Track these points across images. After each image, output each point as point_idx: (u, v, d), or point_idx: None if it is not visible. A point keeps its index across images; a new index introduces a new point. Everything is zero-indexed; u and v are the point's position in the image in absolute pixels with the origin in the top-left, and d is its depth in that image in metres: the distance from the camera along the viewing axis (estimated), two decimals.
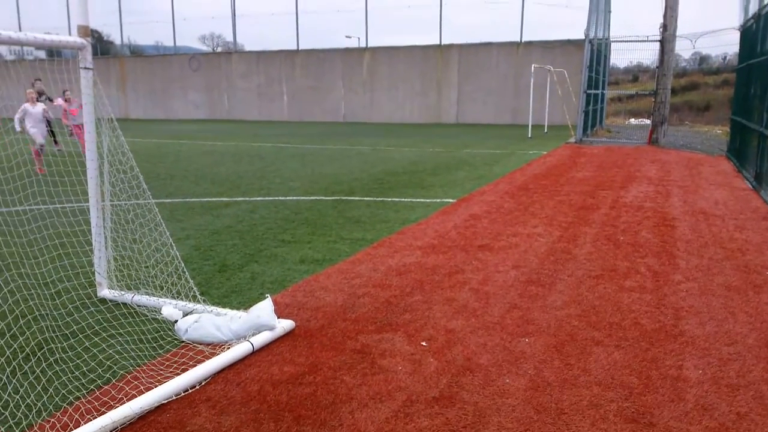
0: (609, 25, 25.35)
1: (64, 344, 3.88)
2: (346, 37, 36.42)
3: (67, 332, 4.09)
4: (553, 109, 26.10)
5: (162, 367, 3.58)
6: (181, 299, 4.54)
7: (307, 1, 44.54)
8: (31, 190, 5.84)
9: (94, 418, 2.96)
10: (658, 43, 19.16)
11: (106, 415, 2.96)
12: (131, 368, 3.59)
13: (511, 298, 4.81)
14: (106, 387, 3.36)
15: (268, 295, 4.26)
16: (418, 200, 9.10)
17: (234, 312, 4.29)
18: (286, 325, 4.12)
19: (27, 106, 12.47)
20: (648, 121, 24.78)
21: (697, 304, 4.67)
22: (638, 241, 6.61)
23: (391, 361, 3.69)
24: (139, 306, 4.57)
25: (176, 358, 3.70)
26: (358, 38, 34.15)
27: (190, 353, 3.77)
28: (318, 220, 7.69)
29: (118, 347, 3.86)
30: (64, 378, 3.43)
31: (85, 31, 4.31)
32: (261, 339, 3.88)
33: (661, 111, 19.21)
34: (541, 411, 3.13)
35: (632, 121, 31.72)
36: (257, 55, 35.92)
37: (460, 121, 31.51)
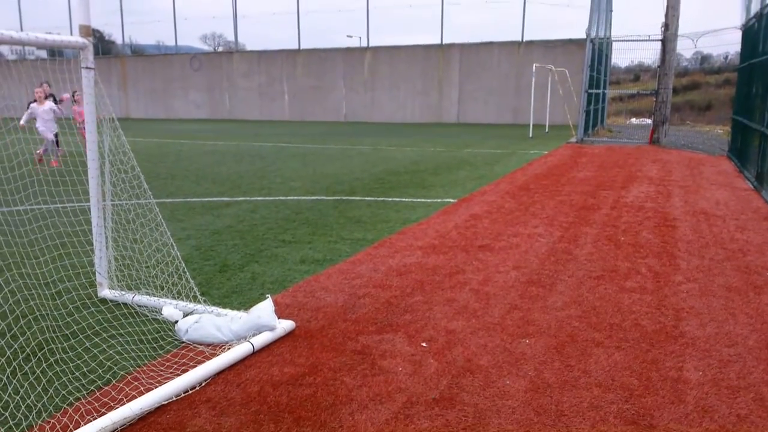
0: (610, 24, 25.35)
1: (65, 344, 3.89)
2: (348, 36, 36.52)
3: (67, 332, 4.09)
4: (554, 109, 26.08)
5: (162, 368, 3.58)
6: (182, 299, 4.54)
7: (309, 1, 44.61)
8: (32, 190, 5.84)
9: (94, 419, 2.96)
10: (659, 43, 19.14)
11: (105, 416, 2.96)
12: (131, 369, 3.59)
13: (511, 298, 4.81)
14: (106, 388, 3.36)
15: (269, 296, 4.26)
16: (419, 200, 9.10)
17: (234, 312, 4.29)
18: (286, 325, 4.12)
19: (34, 106, 12.33)
20: (649, 121, 24.75)
21: (698, 305, 4.66)
22: (639, 241, 6.60)
23: (392, 362, 3.69)
24: (139, 306, 4.57)
25: (176, 359, 3.70)
26: (360, 38, 34.20)
27: (191, 354, 3.77)
28: (319, 220, 7.69)
29: (119, 348, 3.86)
30: (64, 378, 3.43)
31: (87, 31, 4.31)
32: (261, 340, 3.88)
33: (662, 110, 19.19)
34: (541, 413, 3.13)
35: (633, 120, 31.70)
36: (258, 54, 35.93)
37: (462, 121, 31.51)
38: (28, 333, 4.01)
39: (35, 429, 2.97)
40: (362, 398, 3.26)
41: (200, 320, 4.04)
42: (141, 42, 42.41)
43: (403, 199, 9.15)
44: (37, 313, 4.32)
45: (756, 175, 10.49)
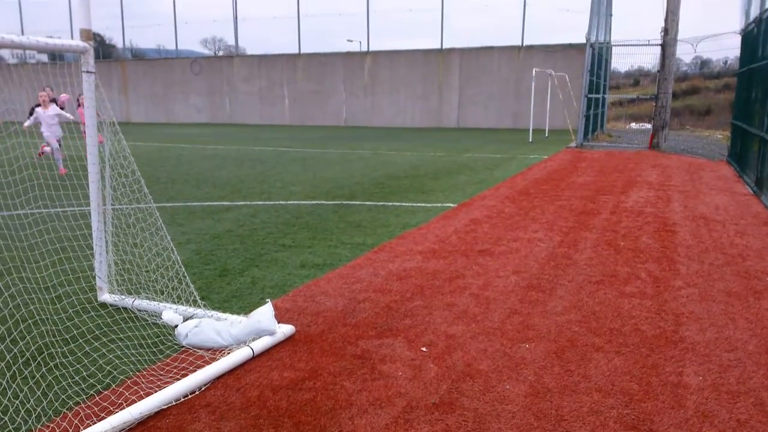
0: (610, 29, 25.40)
1: (64, 349, 3.88)
2: (348, 40, 36.49)
3: (67, 337, 4.09)
4: (554, 114, 26.13)
5: (162, 372, 3.58)
6: (182, 304, 4.54)
7: (309, 5, 44.67)
8: (32, 194, 5.85)
9: (93, 423, 2.96)
10: (659, 47, 19.18)
11: (105, 420, 2.96)
12: (131, 373, 3.59)
13: (511, 303, 4.81)
14: (105, 392, 3.36)
15: (269, 300, 4.25)
16: (419, 205, 9.10)
17: (234, 317, 4.30)
18: (286, 330, 4.12)
19: (39, 110, 12.11)
20: (649, 126, 24.79)
21: (698, 310, 4.66)
22: (639, 246, 6.61)
23: (391, 367, 3.69)
24: (139, 310, 4.57)
25: (176, 363, 3.70)
26: (360, 42, 34.26)
27: (190, 358, 3.77)
28: (319, 224, 7.69)
29: (118, 352, 3.86)
30: (63, 383, 3.43)
31: (88, 35, 4.33)
32: (261, 344, 3.88)
33: (662, 115, 19.22)
34: (541, 417, 3.12)
35: (633, 125, 31.74)
36: (259, 58, 36.00)
37: (461, 125, 31.55)
38: (27, 337, 4.01)
39: None
40: (362, 403, 3.26)
41: (200, 324, 4.04)
42: (142, 46, 42.52)
43: (403, 204, 9.16)
44: (37, 318, 4.32)
45: (755, 180, 10.50)
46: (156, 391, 3.26)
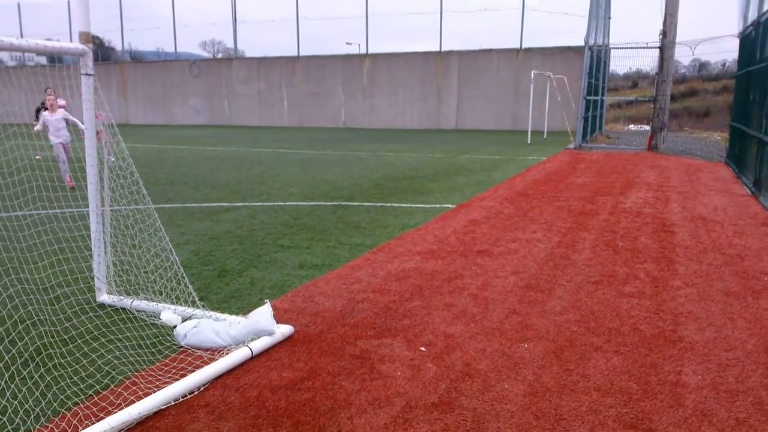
0: (608, 31, 25.45)
1: (63, 349, 3.88)
2: (347, 43, 36.63)
3: (65, 337, 4.09)
4: (552, 116, 26.17)
5: (161, 373, 3.58)
6: (180, 304, 4.53)
7: (308, 8, 44.72)
8: (31, 195, 5.84)
9: (92, 424, 2.95)
10: (657, 50, 19.22)
11: (104, 420, 2.96)
12: (130, 373, 3.59)
13: (510, 303, 4.81)
14: (104, 392, 3.36)
15: (267, 301, 4.26)
16: (417, 206, 9.11)
17: (233, 317, 4.30)
18: (285, 330, 4.12)
19: (46, 114, 11.64)
20: (647, 127, 24.82)
21: (696, 310, 4.67)
22: (637, 246, 6.61)
23: (390, 367, 3.69)
24: (138, 311, 4.57)
25: (175, 364, 3.70)
26: (359, 45, 34.29)
27: (189, 358, 3.77)
28: (317, 225, 7.70)
29: (117, 352, 3.86)
30: (62, 383, 3.43)
31: (86, 38, 4.33)
32: (260, 344, 3.88)
33: (660, 117, 19.25)
34: (540, 417, 3.12)
35: (631, 127, 31.78)
36: (258, 61, 36.03)
37: (460, 127, 31.58)
38: (26, 338, 4.01)
39: None
40: (361, 402, 3.26)
41: (199, 325, 4.04)
42: (140, 48, 42.54)
43: (402, 205, 9.16)
44: (36, 318, 4.32)
45: (754, 181, 10.51)
46: (155, 392, 3.26)
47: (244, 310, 4.58)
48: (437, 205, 9.12)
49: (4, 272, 5.23)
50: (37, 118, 13.77)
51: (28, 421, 3.05)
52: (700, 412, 3.16)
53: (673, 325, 4.35)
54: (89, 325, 4.28)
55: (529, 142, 21.72)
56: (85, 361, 3.73)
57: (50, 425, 3.01)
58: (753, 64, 12.21)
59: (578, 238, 6.97)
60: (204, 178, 12.32)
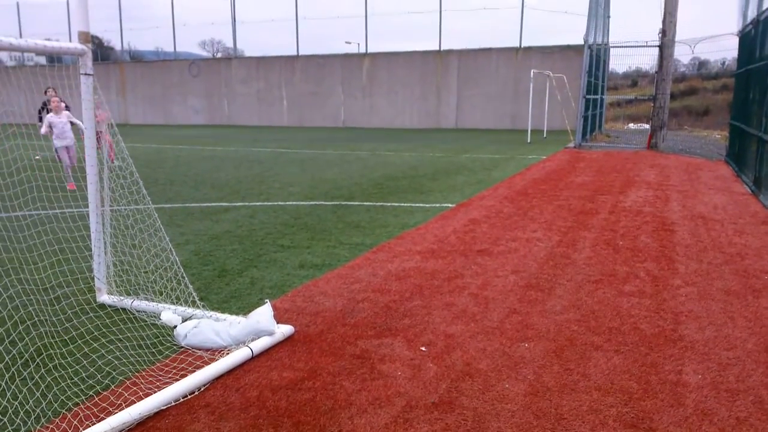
0: (608, 30, 25.44)
1: (63, 350, 3.88)
2: (346, 42, 36.47)
3: (66, 338, 4.08)
4: (552, 114, 26.16)
5: (161, 373, 3.58)
6: (181, 304, 4.53)
7: (307, 7, 44.69)
8: (30, 196, 5.84)
9: (92, 424, 2.95)
10: (657, 49, 19.22)
11: (104, 421, 2.96)
12: (130, 374, 3.58)
13: (510, 302, 4.81)
14: (105, 393, 3.36)
15: (268, 301, 4.26)
16: (417, 205, 9.11)
17: (233, 317, 4.30)
18: (285, 330, 4.12)
19: (51, 116, 11.31)
20: (647, 126, 24.82)
21: (697, 309, 4.67)
22: (637, 245, 6.61)
23: (391, 367, 3.69)
24: (138, 311, 4.57)
25: (175, 364, 3.70)
26: (358, 44, 34.25)
27: (189, 359, 3.76)
28: (317, 225, 7.69)
29: (117, 353, 3.86)
30: (63, 384, 3.43)
31: (86, 38, 4.33)
32: (260, 344, 3.88)
33: (660, 116, 19.25)
34: (541, 416, 3.12)
35: (631, 125, 31.77)
36: (257, 60, 36.00)
37: (460, 126, 31.57)
38: (27, 338, 4.01)
39: None
40: (361, 402, 3.26)
41: (199, 325, 4.04)
42: (140, 48, 42.50)
43: (402, 204, 9.16)
44: (36, 319, 4.31)
45: (753, 180, 10.51)
46: (155, 392, 3.26)
47: (244, 310, 4.58)
48: (437, 205, 9.12)
49: (4, 273, 5.23)
50: (40, 119, 13.61)
51: (29, 422, 3.05)
52: (701, 412, 3.16)
53: (674, 324, 4.35)
54: (89, 326, 4.28)
55: (528, 141, 21.72)
56: (85, 362, 3.73)
57: (51, 426, 3.01)
58: (752, 63, 12.21)
59: (578, 237, 6.97)
60: (204, 178, 12.31)
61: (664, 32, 18.81)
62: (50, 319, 4.35)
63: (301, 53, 34.79)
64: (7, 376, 3.51)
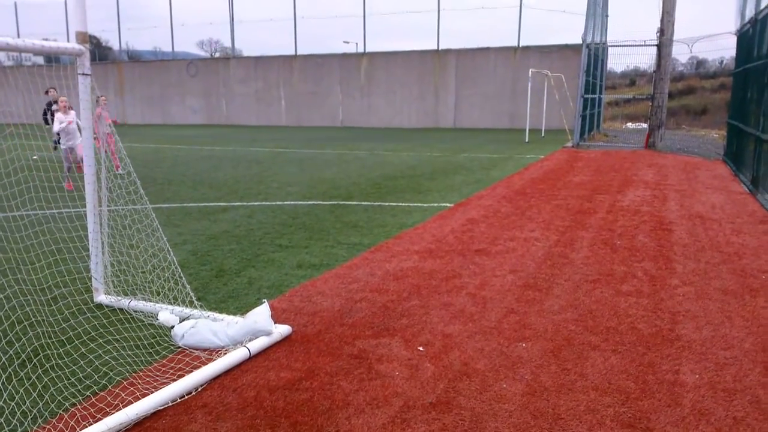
0: (606, 29, 25.45)
1: (60, 350, 3.88)
2: (344, 42, 36.53)
3: (63, 338, 4.08)
4: (550, 114, 26.18)
5: (158, 373, 3.58)
6: (178, 305, 4.53)
7: (306, 7, 44.66)
8: (28, 196, 5.83)
9: (90, 425, 2.95)
10: (655, 48, 19.23)
11: (101, 421, 2.95)
12: (127, 374, 3.58)
13: (508, 302, 4.81)
14: (102, 393, 3.35)
15: (265, 300, 4.25)
16: (415, 205, 9.11)
17: (231, 317, 4.29)
18: (283, 330, 4.11)
19: (61, 116, 11.10)
20: (645, 125, 24.82)
21: (694, 309, 4.67)
22: (635, 245, 6.62)
23: (388, 367, 3.69)
24: (135, 311, 4.56)
25: (172, 364, 3.70)
26: (356, 43, 34.25)
27: (187, 359, 3.76)
28: (315, 224, 7.69)
29: (115, 353, 3.85)
30: (60, 384, 3.42)
31: (84, 38, 4.32)
32: (258, 344, 3.88)
33: (658, 115, 19.26)
34: (538, 416, 3.13)
35: (629, 125, 31.79)
36: (255, 60, 35.98)
37: (458, 126, 31.57)
38: (23, 339, 4.00)
39: None
40: (359, 402, 3.26)
41: (196, 325, 4.04)
42: (138, 48, 42.45)
43: (400, 204, 9.16)
44: (33, 319, 4.31)
45: (751, 179, 10.53)
46: (152, 392, 3.25)
47: (241, 310, 4.58)
48: (435, 204, 9.12)
49: (1, 273, 5.22)
50: (45, 120, 13.49)
51: (26, 422, 3.05)
52: (698, 411, 3.17)
53: (671, 324, 4.36)
54: (87, 326, 4.28)
55: (527, 140, 21.73)
56: (82, 362, 3.73)
57: (48, 426, 3.01)
58: (750, 62, 12.22)
59: (576, 237, 6.97)
60: (202, 178, 12.30)
61: (662, 31, 18.83)
62: (47, 320, 4.35)
63: (299, 53, 34.78)
64: (3, 376, 3.50)
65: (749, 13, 12.94)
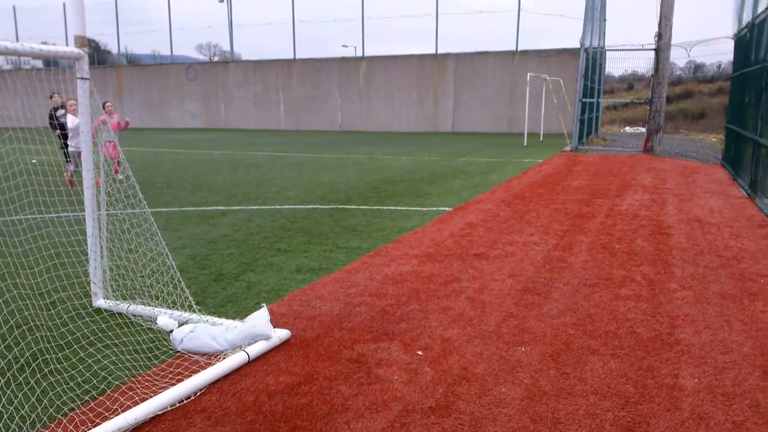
0: (604, 33, 25.52)
1: (59, 355, 3.87)
2: (343, 46, 36.54)
3: (61, 342, 4.07)
4: (548, 118, 26.22)
5: (157, 378, 3.57)
6: (177, 309, 4.53)
7: (304, 11, 44.71)
8: (26, 200, 5.83)
9: (88, 429, 2.94)
10: (653, 52, 19.29)
11: (100, 426, 2.95)
12: (126, 379, 3.58)
13: (507, 306, 4.81)
14: (100, 398, 3.35)
15: (264, 305, 4.25)
16: (414, 209, 9.11)
17: (230, 321, 4.29)
18: (282, 334, 4.11)
19: (72, 118, 11.11)
20: (643, 130, 24.87)
21: (693, 313, 4.67)
22: (634, 249, 6.62)
23: (387, 371, 3.68)
24: (134, 316, 4.56)
25: (171, 369, 3.69)
26: (355, 47, 34.30)
27: (186, 363, 3.76)
28: (314, 228, 7.69)
29: (113, 357, 3.85)
30: (58, 389, 3.42)
31: (82, 42, 4.33)
32: (257, 349, 3.88)
33: (656, 119, 19.30)
34: (537, 420, 3.12)
35: (627, 129, 31.85)
36: (254, 64, 36.02)
37: (456, 130, 31.61)
38: (22, 343, 3.99)
39: None
40: (358, 407, 3.26)
41: (195, 330, 4.03)
42: (137, 52, 42.51)
43: (399, 208, 9.16)
44: (32, 324, 4.30)
45: (750, 183, 10.55)
46: (151, 397, 3.25)
47: (240, 314, 4.58)
48: (434, 208, 9.13)
49: None
50: (52, 125, 13.43)
51: (24, 427, 3.04)
52: (697, 416, 3.17)
53: (670, 328, 4.36)
54: (85, 330, 4.27)
55: (525, 144, 21.76)
56: (81, 367, 3.72)
57: (46, 431, 3.00)
58: (748, 66, 12.26)
59: (575, 241, 6.98)
60: (200, 182, 12.30)
61: (660, 35, 18.88)
62: (46, 324, 4.34)
63: (298, 57, 34.82)
64: (2, 381, 3.50)
65: (747, 17, 12.99)
